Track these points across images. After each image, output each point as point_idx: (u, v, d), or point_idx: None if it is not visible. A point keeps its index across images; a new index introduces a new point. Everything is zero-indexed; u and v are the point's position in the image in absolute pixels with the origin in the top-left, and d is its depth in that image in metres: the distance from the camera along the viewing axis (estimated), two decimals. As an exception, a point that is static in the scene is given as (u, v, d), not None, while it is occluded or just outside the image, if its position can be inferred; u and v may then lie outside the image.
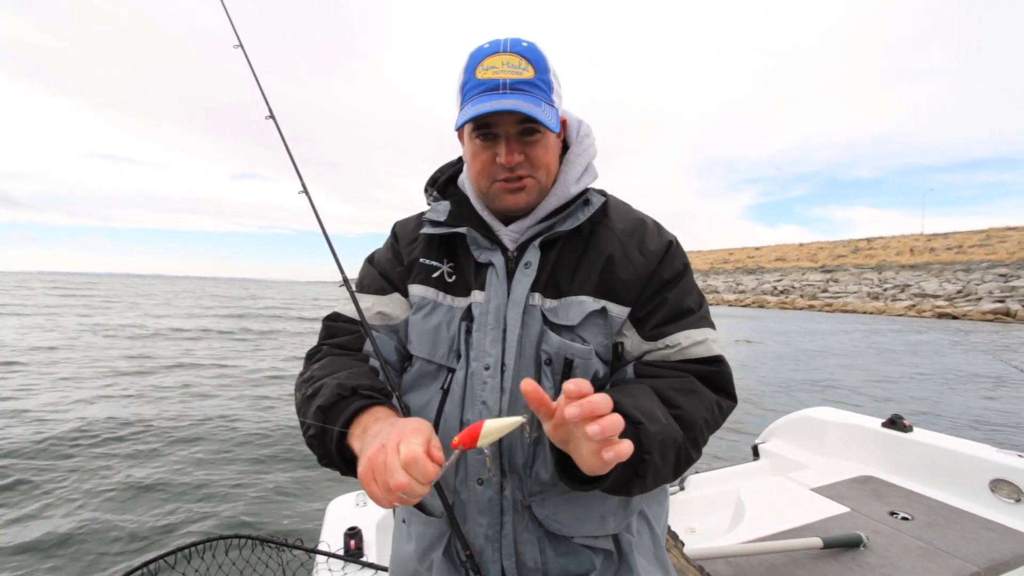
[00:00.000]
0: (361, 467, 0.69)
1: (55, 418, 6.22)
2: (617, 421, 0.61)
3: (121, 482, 4.36)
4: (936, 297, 43.22)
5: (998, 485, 2.13)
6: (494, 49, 0.89)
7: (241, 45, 1.34)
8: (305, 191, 1.24)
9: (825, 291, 54.91)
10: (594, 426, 0.60)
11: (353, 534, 1.86)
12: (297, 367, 1.14)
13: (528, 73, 0.87)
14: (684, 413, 0.83)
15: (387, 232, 1.17)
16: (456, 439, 0.66)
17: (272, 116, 1.28)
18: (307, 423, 0.85)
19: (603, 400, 0.62)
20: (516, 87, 0.86)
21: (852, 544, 1.82)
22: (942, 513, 2.04)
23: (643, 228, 1.01)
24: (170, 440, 5.46)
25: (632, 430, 0.74)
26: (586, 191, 1.02)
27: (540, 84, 0.88)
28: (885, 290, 49.44)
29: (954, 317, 36.73)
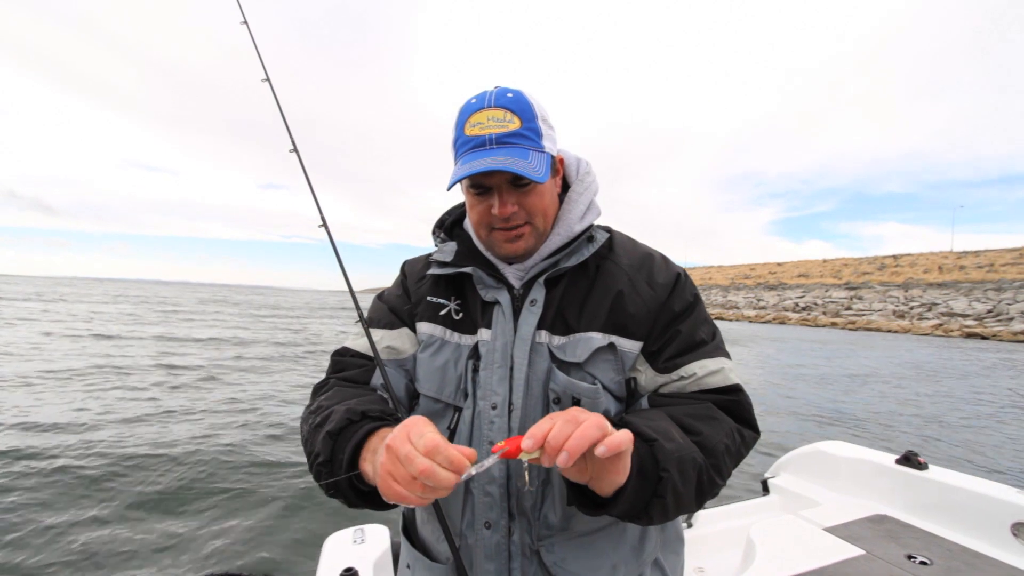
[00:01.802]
0: (380, 474, 0.68)
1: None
2: (623, 437, 0.63)
3: (98, 514, 4.20)
4: (965, 316, 42.05)
5: (1020, 529, 2.05)
6: (480, 104, 0.91)
7: (268, 79, 1.37)
8: (324, 224, 1.25)
9: (849, 308, 53.86)
10: (562, 455, 0.62)
11: (350, 574, 1.76)
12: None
13: (514, 125, 0.89)
14: (704, 439, 0.82)
15: (410, 243, 1.18)
16: (502, 443, 0.66)
17: (295, 150, 1.30)
18: (315, 452, 0.84)
19: (591, 425, 0.63)
20: (503, 141, 0.88)
21: None
22: (962, 558, 1.97)
23: (650, 261, 1.02)
24: (154, 470, 5.23)
25: (646, 448, 0.74)
26: (589, 228, 1.02)
27: (527, 133, 0.90)
28: (911, 308, 48.29)
29: (983, 337, 35.70)
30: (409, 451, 0.63)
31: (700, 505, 0.84)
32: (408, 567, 1.07)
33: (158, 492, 4.71)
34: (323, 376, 1.09)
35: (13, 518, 4.04)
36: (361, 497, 0.81)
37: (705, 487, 0.81)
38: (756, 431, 0.93)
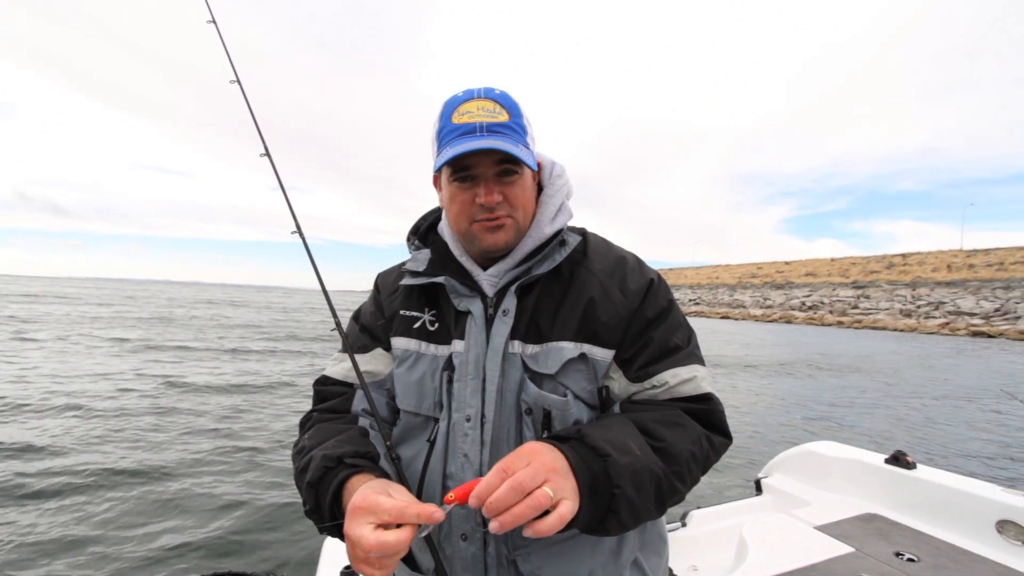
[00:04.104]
0: (350, 559, 0.73)
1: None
2: (516, 514, 0.65)
3: (98, 515, 4.23)
4: (972, 315, 41.76)
5: (1005, 526, 2.10)
6: (468, 96, 0.92)
7: (238, 80, 1.31)
8: (298, 230, 1.21)
9: (855, 307, 53.53)
10: (494, 523, 0.65)
11: (350, 573, 1.79)
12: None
13: (503, 117, 0.90)
14: (668, 446, 0.81)
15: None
16: (451, 494, 0.70)
17: (267, 153, 1.26)
18: (303, 499, 0.88)
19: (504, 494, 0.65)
20: (493, 129, 0.88)
21: None
22: (949, 555, 2.02)
23: (623, 266, 1.00)
24: (153, 471, 5.19)
25: (600, 464, 0.74)
26: (561, 231, 1.01)
27: (515, 127, 0.91)
28: (918, 307, 47.97)
29: (989, 336, 35.45)
30: (357, 535, 0.68)
31: (661, 512, 0.84)
32: (394, 574, 1.08)
33: (160, 492, 4.73)
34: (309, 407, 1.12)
35: (16, 517, 4.12)
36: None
37: (665, 495, 0.81)
38: (728, 437, 0.93)
